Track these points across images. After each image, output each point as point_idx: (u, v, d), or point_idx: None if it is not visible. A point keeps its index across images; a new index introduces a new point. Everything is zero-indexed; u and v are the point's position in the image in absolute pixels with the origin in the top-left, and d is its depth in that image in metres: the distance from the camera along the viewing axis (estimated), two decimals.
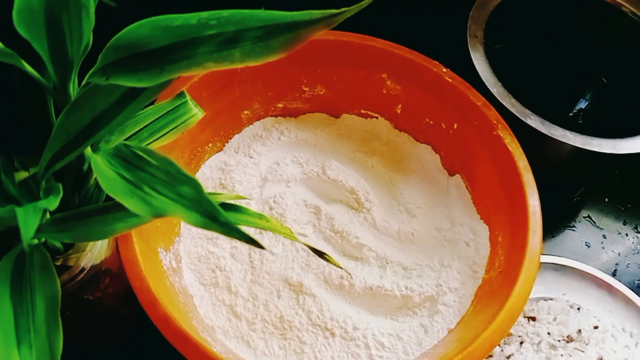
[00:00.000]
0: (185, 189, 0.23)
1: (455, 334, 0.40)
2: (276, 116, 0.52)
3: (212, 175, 0.49)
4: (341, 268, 0.32)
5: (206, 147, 0.49)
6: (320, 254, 0.31)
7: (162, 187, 0.23)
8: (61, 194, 0.22)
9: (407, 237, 0.46)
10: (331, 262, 0.31)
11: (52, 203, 0.21)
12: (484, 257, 0.43)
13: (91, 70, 0.24)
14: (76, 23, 0.22)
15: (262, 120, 0.51)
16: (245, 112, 0.50)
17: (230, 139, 0.50)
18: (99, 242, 0.34)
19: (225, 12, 0.22)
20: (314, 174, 0.49)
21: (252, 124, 0.51)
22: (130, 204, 0.23)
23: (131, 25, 0.23)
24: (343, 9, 0.22)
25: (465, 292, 0.42)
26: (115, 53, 0.23)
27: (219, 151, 0.50)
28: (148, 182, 0.24)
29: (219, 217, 0.21)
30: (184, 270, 0.44)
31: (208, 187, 0.48)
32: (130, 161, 0.25)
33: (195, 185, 0.22)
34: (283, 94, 0.50)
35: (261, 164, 0.49)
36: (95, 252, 0.33)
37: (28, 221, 0.18)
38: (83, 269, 0.33)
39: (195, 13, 0.22)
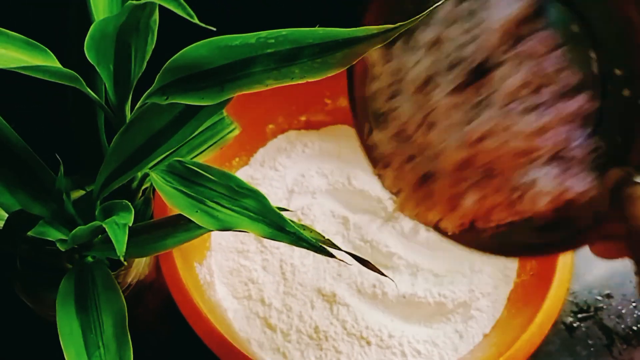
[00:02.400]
0: (248, 201, 0.23)
1: (491, 338, 0.41)
2: (299, 129, 0.53)
3: None
4: (385, 276, 0.33)
5: (233, 161, 0.49)
6: (365, 262, 0.32)
7: (225, 201, 0.24)
8: (132, 211, 0.23)
9: (435, 243, 0.47)
10: (375, 271, 0.31)
11: (129, 218, 0.21)
12: (515, 261, 0.44)
13: (149, 90, 0.25)
14: (142, 45, 0.22)
15: (285, 133, 0.52)
16: (270, 126, 0.51)
17: (256, 152, 0.51)
18: (144, 258, 0.34)
19: (284, 31, 0.23)
20: (340, 184, 0.49)
21: (276, 137, 0.52)
22: (196, 217, 0.23)
23: (189, 47, 0.24)
24: (398, 24, 0.23)
25: (498, 297, 0.43)
26: (174, 73, 0.24)
27: (245, 165, 0.50)
28: (209, 196, 0.24)
29: (287, 227, 0.22)
30: (217, 284, 0.44)
31: None
32: (186, 177, 0.26)
33: (260, 197, 0.23)
34: (306, 107, 0.51)
35: (287, 177, 0.50)
36: (140, 268, 0.34)
37: (118, 237, 0.19)
38: (130, 285, 0.34)
39: (254, 33, 0.23)
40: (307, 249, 0.22)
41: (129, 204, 0.23)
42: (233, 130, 0.35)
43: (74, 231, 0.23)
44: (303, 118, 0.52)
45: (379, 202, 0.48)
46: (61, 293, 0.25)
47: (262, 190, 0.48)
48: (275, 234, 0.22)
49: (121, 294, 0.24)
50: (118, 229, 0.20)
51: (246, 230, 0.22)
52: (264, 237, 0.22)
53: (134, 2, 0.18)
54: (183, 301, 0.36)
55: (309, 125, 0.53)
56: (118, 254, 0.18)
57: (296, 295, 0.43)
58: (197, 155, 0.35)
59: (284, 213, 0.46)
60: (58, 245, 0.24)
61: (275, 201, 0.48)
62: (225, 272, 0.45)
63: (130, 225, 0.21)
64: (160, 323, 0.43)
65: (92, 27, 0.19)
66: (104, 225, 0.20)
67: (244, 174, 0.50)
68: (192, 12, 0.18)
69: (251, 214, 0.23)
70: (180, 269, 0.37)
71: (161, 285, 0.38)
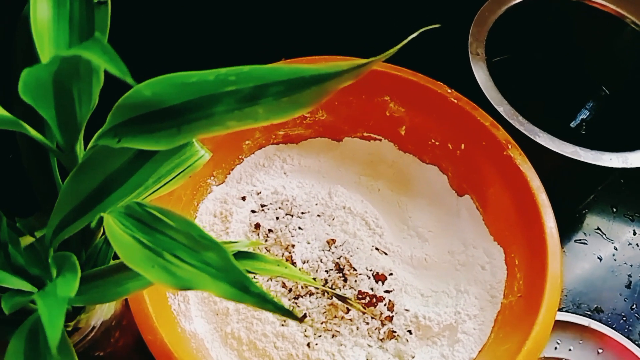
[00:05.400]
0: (210, 255, 0.21)
1: None
2: (277, 144, 0.50)
3: (215, 209, 0.47)
4: (365, 313, 0.31)
5: (208, 180, 0.47)
6: (343, 299, 0.30)
7: (185, 254, 0.22)
8: (79, 273, 0.20)
9: (420, 263, 0.45)
10: (355, 308, 0.30)
11: (71, 286, 0.19)
12: (501, 280, 0.42)
13: (100, 131, 0.23)
14: (86, 88, 0.20)
15: (263, 148, 0.50)
16: (247, 142, 0.49)
17: (232, 170, 0.49)
18: None
19: (245, 68, 0.21)
20: (321, 200, 0.47)
21: (253, 153, 0.50)
22: (151, 274, 0.21)
23: (142, 83, 0.22)
24: (370, 59, 0.21)
25: (485, 319, 0.41)
26: (127, 112, 0.22)
27: (221, 183, 0.48)
28: (168, 247, 0.22)
29: (251, 287, 0.20)
30: (192, 311, 0.42)
31: (212, 222, 0.46)
32: (146, 222, 0.24)
33: (221, 252, 0.21)
34: (285, 120, 0.49)
35: (265, 194, 0.48)
36: (105, 308, 0.32)
37: (53, 319, 0.17)
38: (93, 327, 0.31)
39: (213, 70, 0.21)
40: (273, 312, 0.20)
41: (77, 264, 0.21)
42: (202, 157, 0.33)
43: (10, 300, 0.21)
44: (281, 132, 0.50)
45: (361, 218, 0.46)
46: (10, 355, 0.22)
47: (239, 210, 0.47)
48: (238, 295, 0.20)
49: (76, 358, 0.22)
50: (54, 306, 0.17)
51: (207, 290, 0.20)
52: (226, 299, 0.20)
53: (62, 54, 0.16)
54: (153, 340, 0.34)
55: (288, 139, 0.51)
56: (50, 344, 0.16)
57: (261, 339, 0.41)
58: (164, 185, 0.32)
59: (263, 230, 0.44)
60: (2, 305, 0.22)
61: (252, 221, 0.46)
62: (200, 299, 0.43)
63: (74, 295, 0.19)
64: (134, 355, 0.41)
65: (22, 74, 0.17)
66: (36, 301, 0.17)
67: (220, 193, 0.48)
68: (125, 69, 0.15)
69: (212, 271, 0.20)
70: (151, 304, 0.35)
71: (131, 320, 0.35)
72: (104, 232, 0.30)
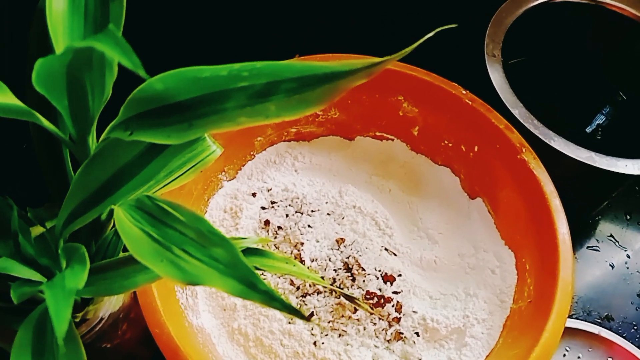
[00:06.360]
0: (218, 251, 0.21)
1: None
2: (289, 141, 0.50)
3: (225, 205, 0.47)
4: (372, 313, 0.31)
5: (219, 175, 0.47)
6: (351, 299, 0.30)
7: (194, 249, 0.21)
8: (87, 265, 0.20)
9: (429, 265, 0.45)
10: (362, 308, 0.29)
11: (80, 278, 0.19)
12: (511, 285, 0.42)
13: (112, 124, 0.23)
14: (99, 80, 0.20)
15: (275, 145, 0.50)
16: (259, 138, 0.49)
17: (243, 166, 0.49)
18: None
19: (258, 64, 0.21)
20: (331, 199, 0.47)
21: (265, 150, 0.50)
22: (159, 268, 0.21)
23: (155, 77, 0.22)
24: (384, 58, 0.21)
25: (493, 324, 0.41)
26: (139, 105, 0.22)
27: (232, 179, 0.48)
28: (177, 242, 0.22)
29: (258, 284, 0.20)
30: (200, 306, 0.42)
31: (221, 217, 0.46)
32: (155, 216, 0.24)
33: (230, 248, 0.21)
34: (296, 118, 0.49)
35: (275, 191, 0.48)
36: (114, 300, 0.32)
37: (60, 310, 0.17)
38: (101, 319, 0.32)
39: (226, 65, 0.21)
40: (280, 310, 0.19)
41: (86, 255, 0.21)
42: (214, 152, 0.33)
43: (19, 289, 0.21)
44: (293, 130, 0.50)
45: (371, 218, 0.46)
46: (17, 345, 0.23)
47: (249, 206, 0.47)
48: (245, 291, 0.20)
49: (82, 351, 0.22)
50: (61, 297, 0.17)
51: (214, 286, 0.20)
52: (233, 295, 0.20)
53: (75, 45, 0.16)
54: (159, 334, 0.34)
55: (299, 137, 0.51)
56: (57, 334, 0.16)
57: (268, 337, 0.40)
58: (175, 179, 0.32)
59: (272, 227, 0.44)
60: (11, 294, 0.22)
61: (262, 217, 0.46)
62: (208, 294, 0.43)
63: (81, 287, 0.19)
64: (141, 348, 0.41)
65: (36, 65, 0.17)
66: (44, 291, 0.17)
67: (231, 188, 0.48)
68: (137, 62, 0.15)
69: (220, 267, 0.20)
70: (159, 297, 0.35)
71: (139, 313, 0.36)
72: (114, 225, 0.30)
